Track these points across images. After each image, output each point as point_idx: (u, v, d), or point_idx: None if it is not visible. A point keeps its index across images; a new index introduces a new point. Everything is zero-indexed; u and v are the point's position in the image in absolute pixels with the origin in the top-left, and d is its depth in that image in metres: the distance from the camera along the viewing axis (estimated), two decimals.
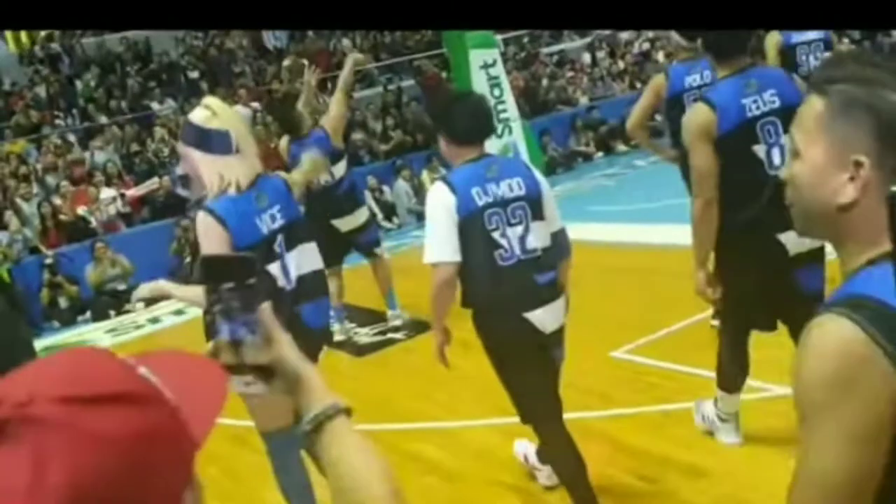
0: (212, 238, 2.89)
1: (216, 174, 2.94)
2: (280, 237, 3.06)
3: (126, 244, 9.91)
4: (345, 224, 5.93)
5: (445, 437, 4.40)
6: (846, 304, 1.05)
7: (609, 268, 6.47)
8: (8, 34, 15.38)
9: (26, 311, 3.71)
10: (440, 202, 3.02)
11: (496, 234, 3.00)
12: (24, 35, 15.46)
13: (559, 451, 3.22)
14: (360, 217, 6.04)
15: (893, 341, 1.00)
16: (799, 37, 5.47)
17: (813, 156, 1.14)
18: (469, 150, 3.11)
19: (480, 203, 2.99)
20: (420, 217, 11.13)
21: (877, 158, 1.10)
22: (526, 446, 3.69)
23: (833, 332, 1.04)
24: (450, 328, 3.21)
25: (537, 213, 3.06)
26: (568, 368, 3.31)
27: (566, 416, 3.25)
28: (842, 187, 1.11)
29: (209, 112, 2.96)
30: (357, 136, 12.13)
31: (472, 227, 2.99)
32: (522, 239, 3.02)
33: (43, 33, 15.49)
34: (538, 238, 3.05)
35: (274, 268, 3.03)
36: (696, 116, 3.20)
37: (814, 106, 1.15)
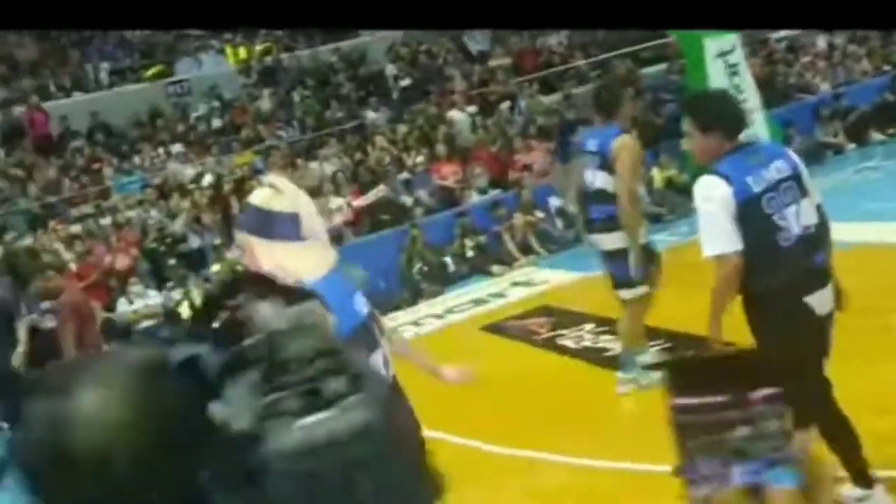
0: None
1: (276, 265, 2.37)
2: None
3: (353, 255, 9.84)
4: (596, 243, 5.19)
5: None
6: None
7: None
8: (228, 48, 16.07)
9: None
10: (714, 193, 3.05)
11: (776, 218, 3.04)
12: (242, 50, 16.08)
13: (836, 426, 3.21)
14: (608, 242, 5.08)
15: None
16: None
17: None
18: (727, 142, 3.15)
19: (757, 189, 3.04)
20: (656, 219, 10.40)
21: None
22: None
23: None
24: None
25: (804, 190, 3.13)
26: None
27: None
28: None
29: (272, 191, 2.49)
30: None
31: (751, 213, 3.03)
32: (798, 217, 3.08)
33: (260, 47, 16.06)
34: (810, 214, 3.12)
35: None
36: None
37: None
